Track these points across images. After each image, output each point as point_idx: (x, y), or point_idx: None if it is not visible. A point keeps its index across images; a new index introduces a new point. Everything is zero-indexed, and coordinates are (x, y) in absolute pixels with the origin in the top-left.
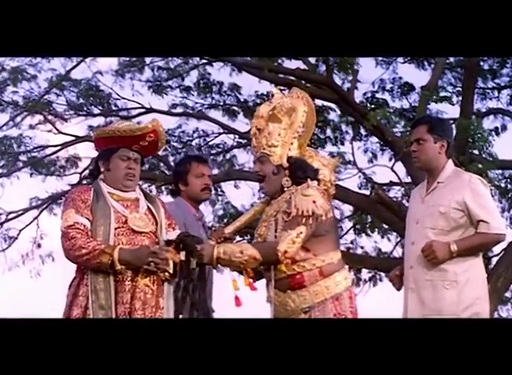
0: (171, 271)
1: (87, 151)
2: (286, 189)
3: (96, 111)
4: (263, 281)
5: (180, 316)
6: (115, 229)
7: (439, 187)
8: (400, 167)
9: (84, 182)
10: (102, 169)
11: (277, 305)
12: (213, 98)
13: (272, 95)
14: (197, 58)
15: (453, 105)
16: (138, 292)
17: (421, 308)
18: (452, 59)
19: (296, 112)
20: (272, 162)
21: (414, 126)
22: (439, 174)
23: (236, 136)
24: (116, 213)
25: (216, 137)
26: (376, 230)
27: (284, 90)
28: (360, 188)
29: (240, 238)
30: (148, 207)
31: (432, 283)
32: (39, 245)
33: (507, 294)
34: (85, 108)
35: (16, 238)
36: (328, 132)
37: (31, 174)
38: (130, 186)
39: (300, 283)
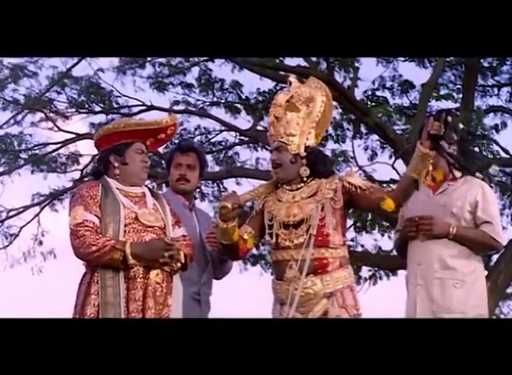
0: (183, 261)
1: (87, 149)
2: (304, 178)
3: (97, 108)
4: (268, 275)
5: None
6: (125, 226)
7: (449, 189)
8: (400, 165)
9: (86, 179)
10: (117, 164)
11: (297, 289)
12: (214, 95)
13: (290, 83)
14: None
15: (456, 102)
16: (150, 290)
17: (430, 304)
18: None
19: (315, 102)
20: (289, 151)
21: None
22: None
23: (238, 133)
24: (126, 209)
25: (217, 134)
26: (376, 227)
27: (286, 87)
28: None
29: None
30: (154, 203)
31: (442, 281)
32: (40, 242)
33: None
34: (86, 106)
35: (17, 235)
36: (330, 129)
37: (32, 171)
38: (145, 179)
39: (324, 268)
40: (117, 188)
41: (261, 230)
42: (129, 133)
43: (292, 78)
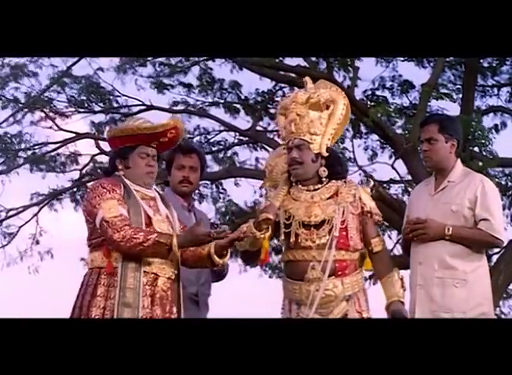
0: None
1: (87, 148)
2: (323, 179)
3: (97, 108)
4: (266, 277)
5: None
6: None
7: (450, 186)
8: (400, 165)
9: (86, 179)
10: (120, 167)
11: (318, 290)
12: (214, 96)
13: (306, 83)
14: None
15: (455, 101)
16: (157, 297)
17: (430, 304)
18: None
19: (337, 105)
20: (311, 150)
21: (424, 125)
22: (448, 173)
23: (237, 133)
24: (145, 213)
25: (217, 134)
26: None
27: (285, 87)
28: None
29: None
30: (167, 213)
31: (442, 280)
32: (37, 242)
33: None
34: (86, 105)
35: (16, 235)
36: None
37: (31, 170)
38: (151, 183)
39: (343, 271)
40: (135, 190)
41: (275, 229)
42: (129, 137)
43: (307, 78)
